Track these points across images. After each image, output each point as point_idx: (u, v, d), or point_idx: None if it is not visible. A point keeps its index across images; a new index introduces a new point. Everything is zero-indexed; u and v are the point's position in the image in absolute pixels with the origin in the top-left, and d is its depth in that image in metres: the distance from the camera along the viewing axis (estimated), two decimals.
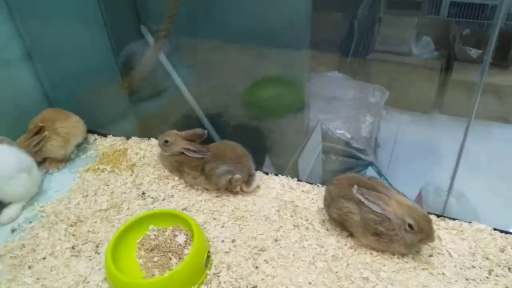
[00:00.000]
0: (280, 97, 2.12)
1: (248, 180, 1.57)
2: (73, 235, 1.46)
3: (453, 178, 1.90)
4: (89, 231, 1.47)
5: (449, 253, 1.32)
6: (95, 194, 1.62)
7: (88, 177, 1.71)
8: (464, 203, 2.58)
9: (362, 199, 1.29)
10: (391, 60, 3.91)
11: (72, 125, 1.79)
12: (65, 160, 1.80)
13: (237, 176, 1.53)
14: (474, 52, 3.74)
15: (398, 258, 1.31)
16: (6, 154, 1.52)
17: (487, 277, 1.25)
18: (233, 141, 1.64)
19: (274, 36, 1.99)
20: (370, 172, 2.66)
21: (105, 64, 2.19)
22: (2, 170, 1.49)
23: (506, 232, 1.38)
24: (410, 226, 1.24)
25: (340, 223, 1.37)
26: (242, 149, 1.60)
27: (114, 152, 1.84)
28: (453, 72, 3.80)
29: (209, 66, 2.27)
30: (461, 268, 1.28)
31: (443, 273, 1.26)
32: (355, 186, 1.32)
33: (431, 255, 1.32)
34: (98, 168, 1.75)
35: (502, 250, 1.32)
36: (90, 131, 1.95)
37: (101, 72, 2.18)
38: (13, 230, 1.51)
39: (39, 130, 1.69)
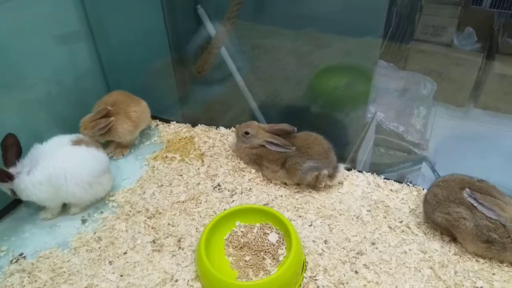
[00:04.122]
0: (348, 86, 2.00)
1: (332, 173, 1.48)
2: (153, 228, 1.37)
3: None
4: (169, 224, 1.38)
5: None
6: (170, 185, 1.52)
7: (158, 166, 1.61)
8: None
9: (476, 204, 1.20)
10: (431, 50, 3.77)
11: (143, 110, 1.68)
12: (130, 146, 1.70)
13: (325, 172, 1.44)
14: None
15: (506, 266, 1.23)
16: (87, 159, 1.40)
17: None
18: (315, 133, 1.54)
19: (343, 22, 1.88)
20: (424, 167, 2.57)
21: (159, 45, 2.08)
22: (84, 177, 1.37)
23: None
24: None
25: (444, 228, 1.28)
26: (327, 142, 1.50)
27: (180, 139, 1.74)
28: (494, 65, 3.65)
29: (268, 52, 2.16)
30: None
31: None
32: (467, 190, 1.23)
33: None
34: (167, 157, 1.65)
35: None
36: (151, 116, 1.84)
37: (154, 53, 2.07)
38: (84, 221, 1.43)
39: (107, 113, 1.58)
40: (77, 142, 1.43)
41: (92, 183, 1.39)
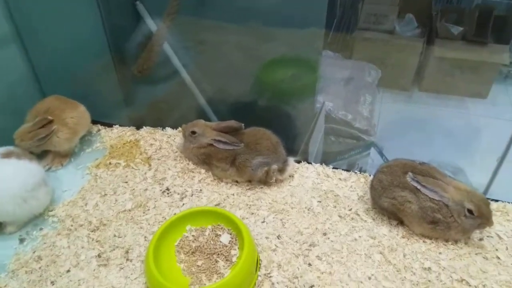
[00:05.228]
0: (295, 78, 2.00)
1: (282, 167, 1.47)
2: (97, 241, 1.29)
3: None
4: (115, 236, 1.31)
5: (499, 236, 1.31)
6: (115, 193, 1.45)
7: (101, 174, 1.53)
8: (463, 179, 2.65)
9: (419, 187, 1.24)
10: (374, 38, 3.87)
11: (81, 115, 1.58)
12: (69, 155, 1.60)
13: (274, 166, 1.43)
14: (455, 29, 3.78)
15: (451, 244, 1.28)
16: (18, 172, 1.30)
17: None
18: (263, 128, 1.52)
19: (286, 14, 1.87)
20: (373, 153, 2.65)
21: (97, 45, 1.98)
22: (16, 192, 1.27)
23: None
24: (470, 211, 1.20)
25: (391, 212, 1.31)
26: (275, 137, 1.49)
27: (124, 144, 1.66)
28: (434, 49, 3.81)
29: (212, 47, 2.11)
30: None
31: (497, 257, 1.24)
32: (410, 174, 1.26)
33: (481, 239, 1.30)
34: (110, 163, 1.57)
35: None
36: (91, 121, 1.74)
37: (92, 53, 1.97)
38: (21, 240, 1.32)
39: (47, 123, 1.47)
40: (6, 155, 1.32)
41: (26, 198, 1.29)
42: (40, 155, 1.57)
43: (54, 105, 1.55)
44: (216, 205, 1.41)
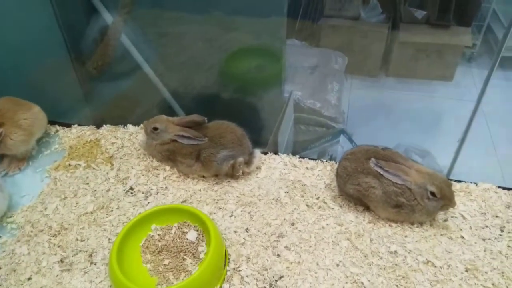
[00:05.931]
0: (260, 68, 1.98)
1: (249, 159, 1.45)
2: (59, 246, 1.25)
3: None
4: (78, 239, 1.26)
5: (462, 216, 1.34)
6: (75, 196, 1.39)
7: (61, 176, 1.47)
8: (430, 161, 2.71)
9: (382, 172, 1.24)
10: (340, 25, 3.87)
11: (35, 116, 1.51)
12: (27, 158, 1.53)
13: (240, 159, 1.41)
14: (419, 13, 3.84)
15: (417, 227, 1.30)
16: None
17: (500, 235, 1.28)
18: (226, 120, 1.49)
19: (247, 3, 1.84)
20: (342, 139, 2.66)
21: (53, 42, 1.90)
22: None
23: (509, 189, 1.42)
24: (432, 193, 1.22)
25: (357, 198, 1.32)
26: (239, 129, 1.46)
27: (84, 144, 1.60)
28: (399, 34, 3.85)
29: (174, 39, 2.05)
30: (476, 229, 1.30)
31: (461, 236, 1.27)
32: (373, 159, 1.27)
33: (446, 220, 1.33)
34: (70, 165, 1.51)
35: (508, 206, 1.36)
36: (49, 122, 1.66)
37: (47, 51, 1.88)
38: None
39: None
40: None
41: None
42: None
43: (6, 107, 1.47)
44: (182, 202, 1.39)
